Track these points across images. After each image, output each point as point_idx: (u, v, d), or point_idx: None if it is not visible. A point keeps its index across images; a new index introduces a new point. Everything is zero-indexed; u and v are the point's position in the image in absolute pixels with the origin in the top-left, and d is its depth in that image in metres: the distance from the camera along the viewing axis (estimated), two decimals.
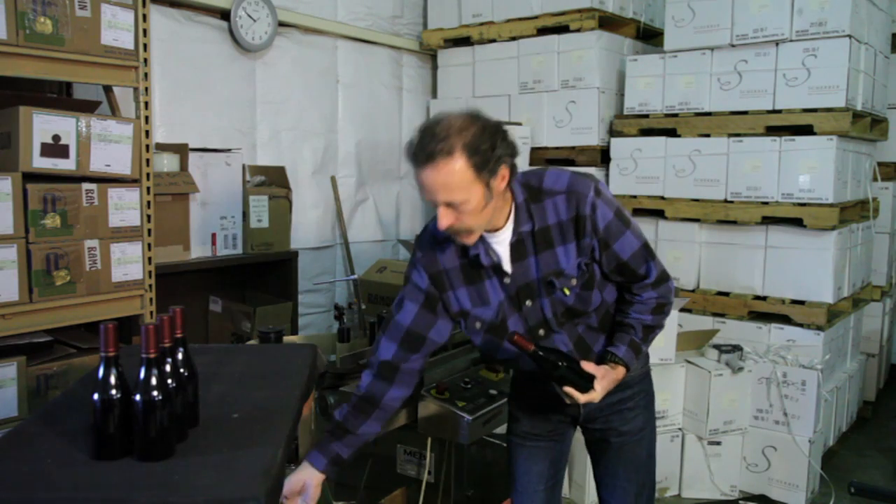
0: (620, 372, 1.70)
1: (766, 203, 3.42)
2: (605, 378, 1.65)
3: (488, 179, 1.51)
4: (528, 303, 1.68)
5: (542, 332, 1.69)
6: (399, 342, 1.75)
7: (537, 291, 1.66)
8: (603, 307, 1.73)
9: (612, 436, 1.86)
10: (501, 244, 1.65)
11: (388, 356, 1.75)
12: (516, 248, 1.65)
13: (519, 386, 1.97)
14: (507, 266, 1.66)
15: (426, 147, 1.47)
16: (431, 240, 1.73)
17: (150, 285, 2.66)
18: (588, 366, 1.64)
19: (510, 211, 1.63)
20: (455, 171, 1.47)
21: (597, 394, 1.63)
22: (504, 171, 1.54)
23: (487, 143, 1.49)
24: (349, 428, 1.75)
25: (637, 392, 1.85)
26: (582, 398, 1.62)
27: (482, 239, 1.64)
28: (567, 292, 1.65)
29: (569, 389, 1.62)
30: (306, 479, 1.70)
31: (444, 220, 1.53)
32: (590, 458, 1.97)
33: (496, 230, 1.63)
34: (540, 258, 1.65)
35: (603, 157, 3.95)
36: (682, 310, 3.40)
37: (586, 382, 1.63)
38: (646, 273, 1.70)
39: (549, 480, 1.93)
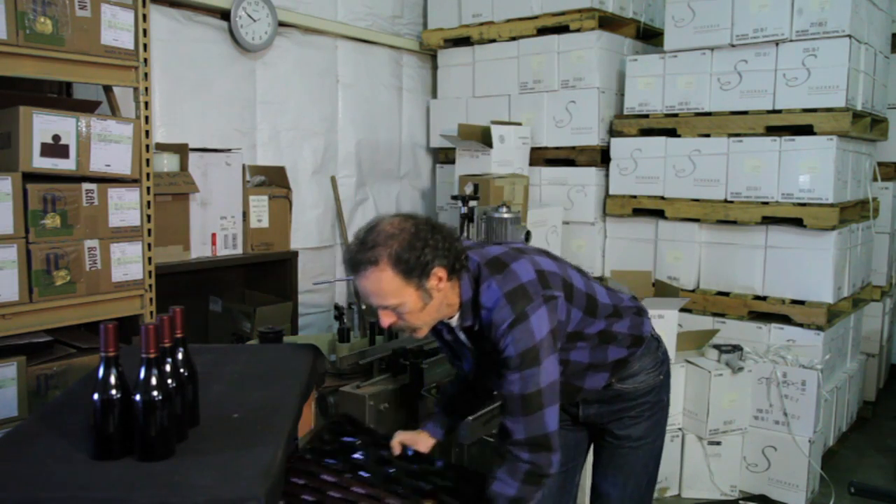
0: None
1: (766, 203, 3.42)
2: None
3: (420, 283, 1.53)
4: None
5: None
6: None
7: (494, 369, 1.67)
8: (576, 366, 1.74)
9: (608, 436, 1.87)
10: (457, 327, 1.70)
11: (468, 369, 1.84)
12: (468, 333, 1.69)
13: None
14: (467, 343, 1.72)
15: (355, 257, 1.53)
16: None
17: (150, 285, 2.66)
18: None
19: (459, 306, 1.65)
20: (382, 280, 1.51)
21: None
22: (439, 273, 1.55)
23: (414, 250, 1.51)
24: (464, 401, 1.94)
25: (640, 404, 1.83)
26: None
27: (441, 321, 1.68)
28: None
29: None
30: (421, 438, 1.86)
31: (385, 319, 1.58)
32: (593, 453, 1.99)
33: (449, 318, 1.67)
34: (484, 347, 1.67)
35: (603, 157, 3.95)
36: (682, 310, 3.40)
37: None
38: (511, 429, 1.58)
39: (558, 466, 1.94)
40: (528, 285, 1.59)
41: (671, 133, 3.71)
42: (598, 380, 1.80)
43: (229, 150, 3.34)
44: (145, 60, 2.60)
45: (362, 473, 1.68)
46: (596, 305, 1.74)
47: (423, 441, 1.87)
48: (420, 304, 1.56)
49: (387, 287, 1.52)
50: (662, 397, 1.89)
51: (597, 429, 1.91)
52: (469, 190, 3.20)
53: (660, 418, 1.89)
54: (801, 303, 3.38)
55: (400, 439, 1.84)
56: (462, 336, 1.71)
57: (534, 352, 1.56)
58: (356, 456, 1.76)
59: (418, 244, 1.52)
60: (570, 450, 1.94)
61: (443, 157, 4.67)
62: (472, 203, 3.17)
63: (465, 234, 3.18)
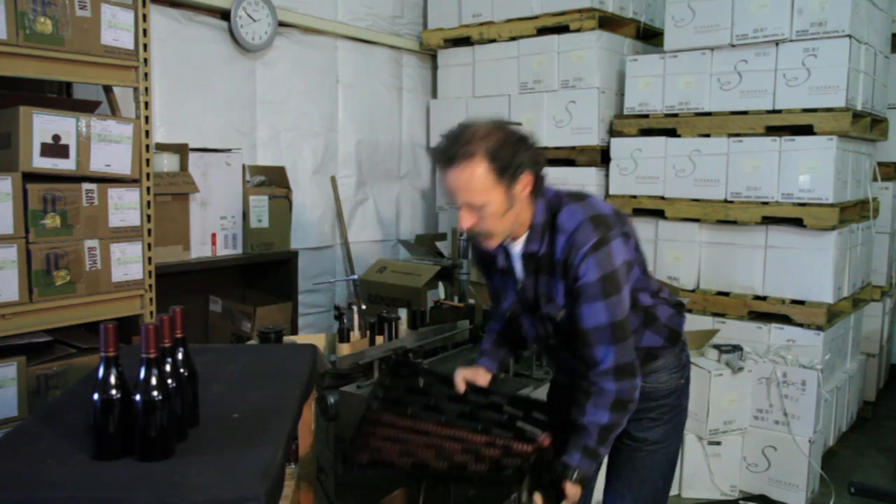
0: (576, 491, 1.62)
1: (766, 203, 3.42)
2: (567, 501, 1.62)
3: (508, 185, 1.56)
4: (534, 314, 1.74)
5: (551, 342, 1.76)
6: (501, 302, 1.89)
7: (538, 309, 1.72)
8: None
9: (625, 438, 1.84)
10: (514, 253, 1.71)
11: (506, 308, 1.87)
12: (525, 263, 1.70)
13: (555, 385, 2.03)
14: (519, 274, 1.72)
15: (450, 150, 1.55)
16: None
17: (150, 285, 2.66)
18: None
19: (530, 226, 1.67)
20: (475, 175, 1.54)
21: None
22: (526, 179, 1.59)
23: (509, 150, 1.55)
24: (509, 337, 1.94)
25: (661, 405, 1.82)
26: None
27: (501, 244, 1.70)
28: (558, 318, 1.69)
29: (536, 496, 1.59)
30: (479, 373, 1.84)
31: (465, 220, 1.60)
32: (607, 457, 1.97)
33: (514, 239, 1.68)
34: (540, 279, 1.69)
35: (603, 157, 3.95)
36: (685, 313, 3.40)
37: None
38: (601, 357, 1.61)
39: None
40: (608, 217, 1.63)
41: (671, 133, 3.71)
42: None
43: (229, 150, 3.34)
44: (145, 60, 2.60)
45: (436, 415, 1.69)
46: (647, 275, 1.78)
47: (481, 376, 1.86)
48: (503, 208, 1.58)
49: (478, 183, 1.54)
50: (682, 402, 1.87)
51: None
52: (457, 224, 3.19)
53: (678, 423, 1.88)
54: (801, 303, 3.38)
55: (462, 376, 1.82)
56: (518, 265, 1.72)
57: (615, 277, 1.59)
58: (423, 398, 1.76)
59: (513, 146, 1.56)
60: None
61: None
62: None
63: (464, 234, 3.18)
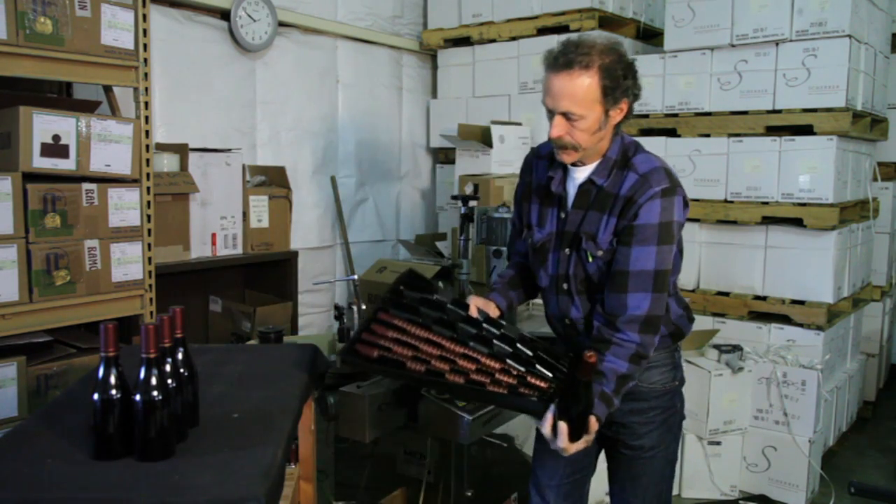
0: (593, 426, 1.57)
1: (766, 203, 3.42)
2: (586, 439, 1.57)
3: (609, 106, 1.60)
4: (567, 251, 1.73)
5: (564, 285, 1.75)
6: (522, 241, 1.91)
7: (574, 245, 1.72)
8: None
9: (621, 447, 1.84)
10: (574, 182, 1.72)
11: (524, 249, 1.92)
12: (581, 194, 1.71)
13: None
14: (569, 203, 1.73)
15: (567, 54, 1.57)
16: (535, 153, 1.89)
17: (150, 285, 2.66)
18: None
19: (602, 157, 1.69)
20: (584, 85, 1.56)
21: (569, 446, 1.53)
22: (624, 105, 1.62)
23: (621, 72, 1.58)
24: (519, 282, 1.95)
25: (653, 407, 1.80)
26: (549, 434, 1.55)
27: (565, 168, 1.72)
28: (591, 259, 1.68)
29: (562, 425, 1.52)
30: (490, 306, 1.84)
31: (557, 129, 1.61)
32: (607, 465, 1.96)
33: (581, 165, 1.70)
34: (590, 214, 1.69)
35: None
36: (692, 319, 3.40)
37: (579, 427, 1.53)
38: (636, 304, 1.60)
39: (563, 478, 1.91)
40: (676, 177, 1.67)
41: (671, 133, 3.71)
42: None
43: (229, 150, 3.34)
44: (145, 60, 2.60)
45: (449, 331, 1.67)
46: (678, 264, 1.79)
47: (492, 308, 1.84)
48: (595, 126, 1.61)
49: (585, 94, 1.57)
50: (676, 403, 1.86)
51: (607, 439, 1.87)
52: (469, 190, 3.20)
53: (672, 425, 1.86)
54: (801, 303, 3.38)
55: (476, 303, 1.80)
56: (572, 192, 1.72)
57: (671, 228, 1.62)
58: (437, 312, 1.73)
59: (625, 69, 1.60)
60: (579, 459, 1.89)
61: (443, 157, 4.67)
62: (472, 203, 3.17)
63: (464, 234, 3.18)
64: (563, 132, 1.61)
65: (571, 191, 1.73)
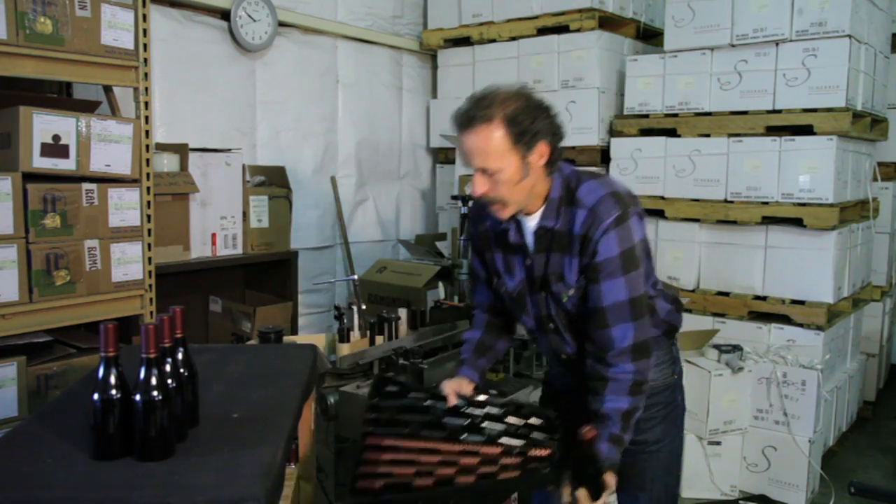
0: (610, 480, 1.58)
1: (766, 203, 3.42)
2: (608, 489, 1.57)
3: (524, 153, 1.56)
4: (543, 294, 1.72)
5: (550, 325, 1.74)
6: (487, 287, 1.87)
7: (547, 287, 1.70)
8: None
9: None
10: (527, 229, 1.70)
11: (489, 300, 1.88)
12: (538, 239, 1.69)
13: (548, 376, 2.01)
14: (531, 249, 1.71)
15: (469, 112, 1.55)
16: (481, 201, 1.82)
17: (150, 285, 2.66)
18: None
19: (545, 200, 1.66)
20: (491, 138, 1.53)
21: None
22: (542, 149, 1.58)
23: (528, 116, 1.55)
24: (490, 344, 1.89)
25: (655, 403, 1.80)
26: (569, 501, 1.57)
27: (514, 217, 1.69)
28: (565, 298, 1.67)
29: (581, 493, 1.54)
30: (463, 384, 1.78)
31: (479, 186, 1.59)
32: None
33: (528, 213, 1.68)
34: (552, 257, 1.67)
35: (603, 156, 3.95)
36: (683, 310, 3.40)
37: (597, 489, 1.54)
38: (620, 336, 1.59)
39: None
40: (626, 194, 1.64)
41: (671, 133, 3.71)
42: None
43: (229, 150, 3.34)
44: (145, 60, 2.60)
45: (439, 432, 1.65)
46: (652, 264, 1.78)
47: (465, 386, 1.80)
48: (517, 176, 1.57)
49: (494, 147, 1.54)
50: (676, 397, 1.86)
51: None
52: (469, 190, 3.20)
53: (675, 418, 1.87)
54: (801, 303, 3.38)
55: (451, 388, 1.75)
56: (530, 240, 1.70)
57: (634, 253, 1.60)
58: (420, 416, 1.71)
59: (532, 113, 1.56)
60: None
61: (443, 157, 4.67)
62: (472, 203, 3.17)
63: (464, 234, 3.18)
64: (485, 188, 1.58)
65: (528, 236, 1.71)
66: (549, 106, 1.61)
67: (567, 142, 4.11)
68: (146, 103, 2.62)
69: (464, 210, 3.17)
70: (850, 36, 3.22)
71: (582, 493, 1.52)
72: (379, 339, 2.66)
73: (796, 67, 3.33)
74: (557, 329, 1.73)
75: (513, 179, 1.57)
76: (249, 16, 3.57)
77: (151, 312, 2.65)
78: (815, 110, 3.31)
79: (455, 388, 1.76)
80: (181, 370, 1.41)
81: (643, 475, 1.85)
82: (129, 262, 2.57)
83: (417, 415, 1.71)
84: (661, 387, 1.82)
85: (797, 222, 3.36)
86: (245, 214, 3.32)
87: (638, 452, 1.82)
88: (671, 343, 1.87)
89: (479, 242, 1.84)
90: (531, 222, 1.68)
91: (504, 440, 1.62)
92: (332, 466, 2.56)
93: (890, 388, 4.68)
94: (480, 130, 1.53)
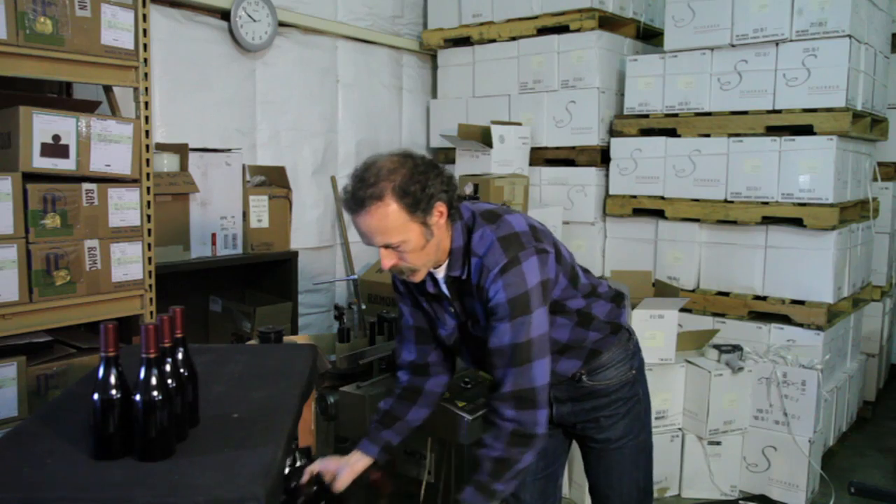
0: None
1: (766, 203, 3.42)
2: None
3: (424, 218, 1.52)
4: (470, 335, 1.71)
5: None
6: (414, 341, 1.82)
7: (467, 329, 1.69)
8: (553, 345, 1.68)
9: (589, 441, 1.85)
10: (440, 280, 1.68)
11: (412, 357, 1.83)
12: (451, 286, 1.67)
13: None
14: (448, 295, 1.69)
15: (357, 193, 1.49)
16: None
17: (150, 285, 2.66)
18: None
19: (449, 251, 1.63)
20: (388, 215, 1.49)
21: None
22: (440, 208, 1.54)
23: (418, 183, 1.50)
24: (398, 415, 1.81)
25: (614, 401, 1.81)
26: None
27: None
28: (484, 339, 1.65)
29: None
30: (350, 462, 1.73)
31: (387, 261, 1.55)
32: (582, 458, 1.98)
33: (436, 267, 1.65)
34: (465, 302, 1.67)
35: (603, 157, 3.95)
36: (682, 310, 3.40)
37: None
38: (501, 378, 1.56)
39: (537, 473, 1.91)
40: (521, 235, 1.59)
41: (671, 133, 3.71)
42: (570, 366, 1.78)
43: (229, 150, 3.34)
44: (145, 60, 2.60)
45: None
46: (577, 279, 1.74)
47: (350, 466, 1.74)
48: (422, 242, 1.54)
49: (392, 222, 1.49)
50: (637, 391, 1.86)
51: (576, 434, 1.89)
52: (469, 190, 3.20)
53: (637, 413, 1.86)
54: (801, 303, 3.38)
55: (316, 468, 1.71)
56: (445, 289, 1.68)
57: (524, 298, 1.55)
58: None
59: (421, 177, 1.51)
60: (549, 454, 1.91)
61: (443, 157, 4.67)
62: None
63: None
64: (394, 260, 1.55)
65: (442, 286, 1.69)
66: (434, 163, 1.56)
67: (567, 142, 4.16)
68: (146, 103, 2.62)
69: None
70: (850, 36, 3.22)
71: None
72: (379, 339, 2.66)
73: (796, 67, 3.33)
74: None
75: (418, 247, 1.54)
76: (249, 16, 3.57)
77: (151, 312, 2.65)
78: (815, 110, 3.31)
79: (329, 464, 1.72)
80: (181, 370, 1.41)
81: (611, 472, 1.86)
82: (129, 262, 2.57)
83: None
84: (618, 384, 1.82)
85: (797, 222, 3.36)
86: (245, 214, 3.32)
87: (602, 451, 1.84)
88: (627, 339, 1.85)
89: (404, 297, 1.80)
90: (440, 274, 1.66)
91: None
92: None
93: (890, 388, 4.68)
94: (373, 210, 1.48)
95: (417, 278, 1.62)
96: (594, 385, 1.80)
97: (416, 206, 1.50)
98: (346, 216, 4.18)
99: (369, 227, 1.51)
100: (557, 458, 1.97)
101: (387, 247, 1.53)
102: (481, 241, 1.59)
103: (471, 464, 2.49)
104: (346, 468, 1.75)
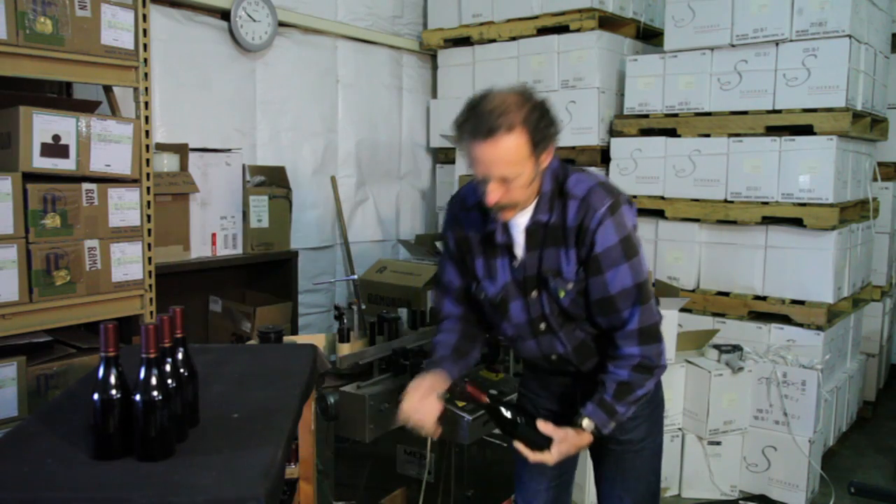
0: (585, 439, 1.63)
1: (766, 203, 3.42)
2: (564, 442, 1.61)
3: (538, 155, 1.54)
4: (534, 294, 1.68)
5: (542, 326, 1.71)
6: (457, 299, 1.83)
7: (540, 286, 1.67)
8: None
9: (610, 443, 1.82)
10: (518, 227, 1.66)
11: (458, 311, 1.84)
12: (530, 235, 1.66)
13: (524, 382, 1.96)
14: (519, 250, 1.68)
15: (486, 122, 1.48)
16: (460, 204, 1.78)
17: (150, 285, 2.66)
18: (547, 427, 1.62)
19: (536, 195, 1.63)
20: (514, 147, 1.49)
21: (550, 457, 1.61)
22: (550, 150, 1.57)
23: (545, 121, 1.53)
24: (466, 351, 1.81)
25: (640, 403, 1.77)
26: (532, 457, 1.61)
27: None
28: (562, 294, 1.64)
29: (519, 446, 1.61)
30: (434, 383, 1.71)
31: (495, 194, 1.55)
32: (591, 462, 1.96)
33: (525, 208, 1.64)
34: (546, 253, 1.65)
35: (603, 156, 3.95)
36: (682, 310, 3.40)
37: (542, 442, 1.60)
38: (627, 318, 1.60)
39: (552, 480, 1.90)
40: (613, 185, 1.64)
41: (671, 133, 3.71)
42: (601, 349, 1.75)
43: (229, 150, 3.34)
44: (145, 60, 2.60)
45: None
46: None
47: (440, 383, 1.71)
48: (531, 179, 1.56)
49: (516, 155, 1.50)
50: (658, 393, 1.86)
51: (596, 438, 1.87)
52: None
53: (657, 416, 1.87)
54: (801, 303, 3.38)
55: (429, 384, 1.70)
56: (520, 239, 1.67)
57: (632, 240, 1.60)
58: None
59: (547, 116, 1.54)
60: (563, 463, 1.85)
61: (443, 157, 4.67)
62: None
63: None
64: (500, 195, 1.55)
65: (517, 236, 1.67)
66: (548, 103, 1.59)
67: (567, 142, 4.16)
68: (146, 103, 2.62)
69: None
70: (850, 36, 3.22)
71: (519, 446, 1.60)
72: (379, 339, 2.66)
73: (796, 67, 3.33)
74: (550, 328, 1.70)
75: (526, 182, 1.55)
76: (249, 16, 3.57)
77: (151, 312, 2.65)
78: (815, 110, 3.31)
79: (430, 384, 1.71)
80: (181, 370, 1.41)
81: (628, 475, 1.84)
82: (129, 262, 2.57)
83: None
84: None
85: (797, 222, 3.36)
86: (245, 214, 3.32)
87: (622, 453, 1.82)
88: None
89: (459, 250, 1.79)
90: (521, 219, 1.65)
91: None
92: (332, 466, 2.56)
93: (890, 388, 4.68)
94: (502, 140, 1.48)
95: (510, 216, 1.62)
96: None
97: (538, 143, 1.52)
98: (346, 216, 4.19)
99: (493, 156, 1.50)
100: (571, 466, 1.95)
101: (501, 180, 1.53)
102: (579, 184, 1.61)
103: (471, 463, 2.50)
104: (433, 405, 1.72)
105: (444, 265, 1.84)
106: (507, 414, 1.63)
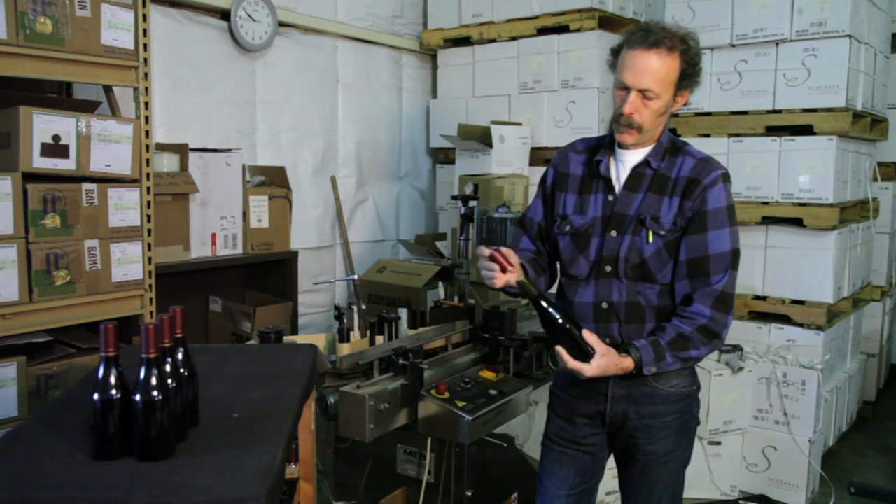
0: (626, 363, 1.66)
1: (766, 203, 3.42)
2: (605, 357, 1.64)
3: (678, 91, 1.68)
4: (614, 233, 1.74)
5: (608, 268, 1.74)
6: (534, 238, 1.94)
7: (627, 227, 1.72)
8: (668, 292, 1.74)
9: (637, 453, 1.82)
10: (626, 164, 1.75)
11: (533, 249, 1.94)
12: (634, 176, 1.74)
13: (556, 386, 1.97)
14: (617, 187, 1.76)
15: (654, 35, 1.64)
16: (572, 147, 1.91)
17: (150, 285, 2.66)
18: (591, 337, 1.65)
19: (654, 142, 1.74)
20: (667, 66, 1.64)
21: (589, 368, 1.63)
22: (686, 95, 1.70)
23: (697, 65, 1.70)
24: (541, 265, 1.92)
25: (671, 411, 1.79)
26: (571, 363, 1.63)
27: (614, 152, 1.77)
28: (651, 240, 1.69)
29: (561, 350, 1.65)
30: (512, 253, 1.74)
31: (631, 105, 1.66)
32: (617, 469, 1.94)
33: (634, 147, 1.74)
34: (647, 197, 1.72)
35: None
36: None
37: (582, 351, 1.63)
38: (715, 280, 1.67)
39: (572, 488, 1.90)
40: None
41: (671, 133, 3.71)
42: (653, 318, 1.76)
43: (229, 150, 3.34)
44: (145, 60, 2.60)
45: None
46: None
47: (513, 256, 1.73)
48: (664, 108, 1.68)
49: (666, 74, 1.64)
50: (692, 408, 1.84)
51: (624, 443, 1.85)
52: (469, 190, 3.20)
53: (689, 430, 1.85)
54: (801, 303, 3.38)
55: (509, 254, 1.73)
56: (623, 175, 1.76)
57: (734, 210, 1.72)
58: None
59: (699, 64, 1.71)
60: (587, 471, 1.90)
61: (443, 157, 4.67)
62: (472, 203, 3.17)
63: (464, 234, 3.18)
64: (634, 109, 1.65)
65: (622, 173, 1.77)
66: (702, 63, 1.73)
67: (567, 142, 4.12)
68: (146, 103, 2.62)
69: (464, 210, 3.16)
70: (850, 36, 3.22)
71: (560, 351, 1.65)
72: (379, 339, 2.66)
73: (796, 67, 3.33)
74: (615, 272, 1.74)
75: (660, 109, 1.66)
76: (249, 16, 3.57)
77: (151, 312, 2.65)
78: (815, 110, 3.31)
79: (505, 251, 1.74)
80: (181, 370, 1.41)
81: (654, 487, 1.83)
82: (129, 262, 2.57)
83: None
84: (679, 395, 1.80)
85: (797, 222, 3.36)
86: (245, 214, 3.32)
87: (648, 464, 1.81)
88: None
89: (553, 188, 1.88)
90: (633, 157, 1.74)
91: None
92: (332, 466, 2.56)
93: (890, 388, 4.68)
94: (662, 54, 1.62)
95: (631, 139, 1.71)
96: (656, 388, 1.77)
97: (685, 77, 1.67)
98: (346, 216, 4.19)
99: (646, 66, 1.63)
100: (595, 475, 1.94)
101: (642, 93, 1.64)
102: (698, 150, 1.77)
103: (471, 463, 2.50)
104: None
105: (534, 203, 1.95)
106: (557, 316, 1.65)
